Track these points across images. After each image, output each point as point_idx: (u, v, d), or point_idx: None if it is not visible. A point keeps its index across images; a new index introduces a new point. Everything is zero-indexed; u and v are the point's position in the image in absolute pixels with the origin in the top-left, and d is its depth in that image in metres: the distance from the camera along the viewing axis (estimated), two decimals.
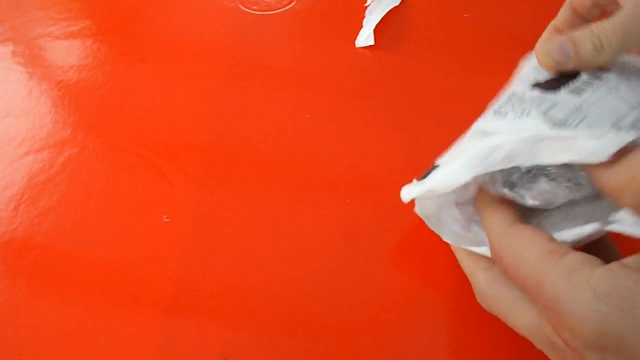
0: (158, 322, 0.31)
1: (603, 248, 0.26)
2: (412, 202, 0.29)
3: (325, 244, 0.33)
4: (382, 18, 0.45)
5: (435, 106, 0.39)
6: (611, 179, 0.21)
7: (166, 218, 0.35)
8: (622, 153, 0.21)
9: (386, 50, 0.43)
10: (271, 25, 0.47)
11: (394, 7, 0.46)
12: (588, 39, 0.26)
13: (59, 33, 0.49)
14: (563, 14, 0.32)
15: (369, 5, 0.46)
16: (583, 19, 0.31)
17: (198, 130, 0.40)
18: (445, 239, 0.28)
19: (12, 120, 0.42)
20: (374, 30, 0.45)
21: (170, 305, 0.31)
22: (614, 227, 0.22)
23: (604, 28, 0.26)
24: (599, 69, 0.26)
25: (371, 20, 0.44)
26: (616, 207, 0.22)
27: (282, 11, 0.48)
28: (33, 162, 0.39)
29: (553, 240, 0.23)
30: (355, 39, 0.45)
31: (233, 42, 0.46)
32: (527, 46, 0.42)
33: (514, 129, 0.25)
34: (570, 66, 0.27)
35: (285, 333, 0.30)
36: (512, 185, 0.26)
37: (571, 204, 0.26)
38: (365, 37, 0.44)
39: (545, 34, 0.33)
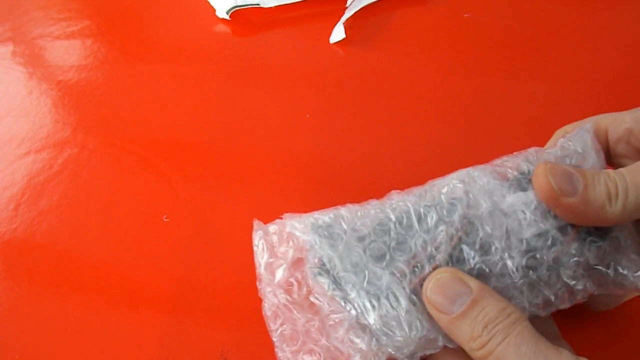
0: (158, 322, 0.31)
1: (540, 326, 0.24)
2: None
3: None
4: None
5: (435, 106, 0.39)
6: (462, 331, 0.22)
7: (166, 218, 0.35)
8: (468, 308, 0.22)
9: (386, 51, 0.43)
10: (271, 25, 0.47)
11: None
12: (603, 181, 0.22)
13: (59, 33, 0.49)
14: None
15: (350, 4, 0.46)
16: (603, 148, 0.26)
17: (198, 130, 0.40)
18: None
19: (12, 120, 0.42)
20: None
21: (170, 305, 0.31)
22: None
23: (622, 176, 0.22)
24: None
25: (344, 16, 0.45)
26: None
27: (282, 11, 0.48)
28: (33, 162, 0.39)
29: None
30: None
31: (233, 42, 0.46)
32: (527, 46, 0.43)
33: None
34: (571, 201, 0.22)
35: None
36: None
37: None
38: (337, 33, 0.44)
39: (550, 142, 0.28)
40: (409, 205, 0.25)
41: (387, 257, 0.24)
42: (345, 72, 0.42)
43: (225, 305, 0.31)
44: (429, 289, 0.23)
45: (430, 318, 0.23)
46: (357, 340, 0.23)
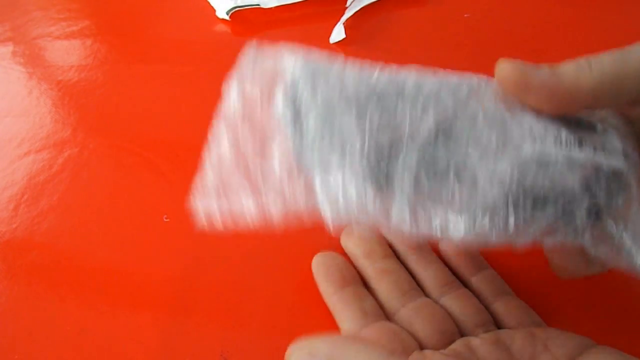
0: (158, 322, 0.31)
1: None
2: None
3: (325, 243, 0.33)
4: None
5: None
6: None
7: (166, 218, 0.35)
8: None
9: (386, 51, 0.44)
10: (271, 25, 0.47)
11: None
12: (573, 61, 0.21)
13: (59, 33, 0.49)
14: None
15: (350, 4, 0.46)
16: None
17: (198, 130, 0.40)
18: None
19: (12, 120, 0.42)
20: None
21: (170, 305, 0.31)
22: None
23: (597, 55, 0.21)
24: None
25: (344, 16, 0.45)
26: None
27: (282, 11, 0.48)
28: (33, 162, 0.39)
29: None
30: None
31: (233, 42, 0.46)
32: (527, 46, 0.42)
33: None
34: (540, 77, 0.21)
35: (285, 333, 0.30)
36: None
37: None
38: (337, 33, 0.44)
39: None
40: (411, 81, 0.22)
41: (367, 114, 0.21)
42: None
43: (225, 305, 0.31)
44: None
45: (381, 204, 0.21)
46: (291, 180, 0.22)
